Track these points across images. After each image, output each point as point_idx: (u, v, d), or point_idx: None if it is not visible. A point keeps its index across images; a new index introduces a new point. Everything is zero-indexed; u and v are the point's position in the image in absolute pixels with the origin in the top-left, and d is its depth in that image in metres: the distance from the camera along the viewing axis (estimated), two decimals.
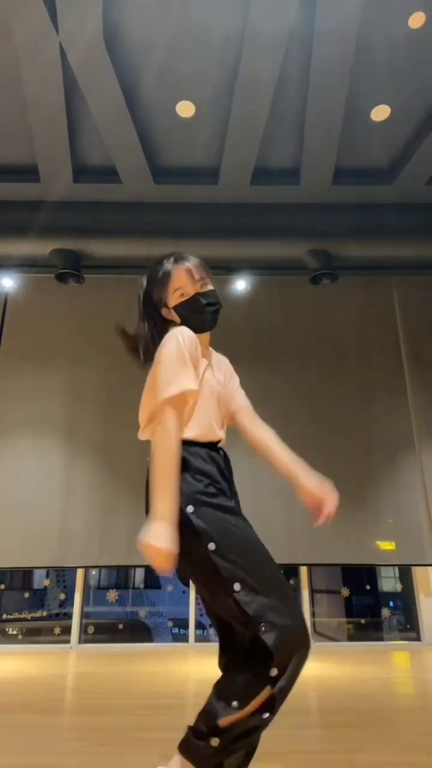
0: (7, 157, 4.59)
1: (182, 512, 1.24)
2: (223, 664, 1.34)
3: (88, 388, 5.22)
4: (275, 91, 3.90)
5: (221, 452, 1.46)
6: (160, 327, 1.48)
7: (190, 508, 1.25)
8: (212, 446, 1.43)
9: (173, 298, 1.47)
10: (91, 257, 4.98)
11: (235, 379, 1.63)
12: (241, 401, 1.60)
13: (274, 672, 1.15)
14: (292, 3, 3.35)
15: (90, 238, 4.86)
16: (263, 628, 1.17)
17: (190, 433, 1.38)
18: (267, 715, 1.17)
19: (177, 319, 1.48)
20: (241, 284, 5.56)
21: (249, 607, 1.18)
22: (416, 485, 5.02)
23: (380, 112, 4.17)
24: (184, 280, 1.46)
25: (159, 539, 1.18)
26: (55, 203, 4.81)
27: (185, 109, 4.11)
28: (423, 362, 5.42)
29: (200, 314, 1.46)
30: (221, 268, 5.26)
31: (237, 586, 1.19)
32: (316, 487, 1.46)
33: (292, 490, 1.52)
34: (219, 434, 1.45)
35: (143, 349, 1.48)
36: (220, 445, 1.47)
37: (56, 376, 5.29)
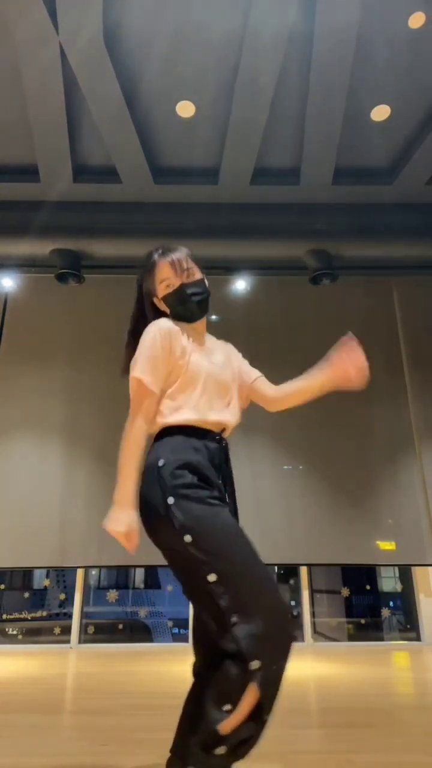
0: (7, 157, 4.58)
1: (163, 504, 1.26)
2: (198, 668, 1.37)
3: (88, 387, 5.22)
4: (275, 90, 3.90)
5: (218, 440, 1.44)
6: (149, 317, 1.54)
7: (170, 500, 1.26)
8: (206, 434, 1.41)
9: (160, 289, 1.53)
10: (91, 257, 4.98)
11: (239, 359, 1.67)
12: (253, 373, 1.65)
13: (254, 665, 1.14)
14: (292, 3, 3.35)
15: (90, 238, 4.86)
16: (234, 619, 1.17)
17: (178, 417, 1.39)
18: (265, 715, 1.17)
19: (167, 309, 1.54)
20: (241, 284, 5.56)
21: (222, 599, 1.18)
22: (416, 485, 5.02)
23: (380, 112, 4.17)
24: (168, 272, 1.51)
25: (115, 524, 1.28)
26: (55, 203, 4.81)
27: (185, 109, 4.11)
28: (423, 362, 5.42)
29: (186, 304, 1.50)
30: (221, 268, 5.25)
31: (212, 577, 1.19)
32: (337, 369, 1.56)
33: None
34: (215, 418, 1.43)
35: (128, 333, 1.57)
36: (223, 433, 1.47)
37: (56, 375, 5.29)
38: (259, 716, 1.16)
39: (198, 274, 1.54)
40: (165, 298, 1.53)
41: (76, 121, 4.20)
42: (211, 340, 1.62)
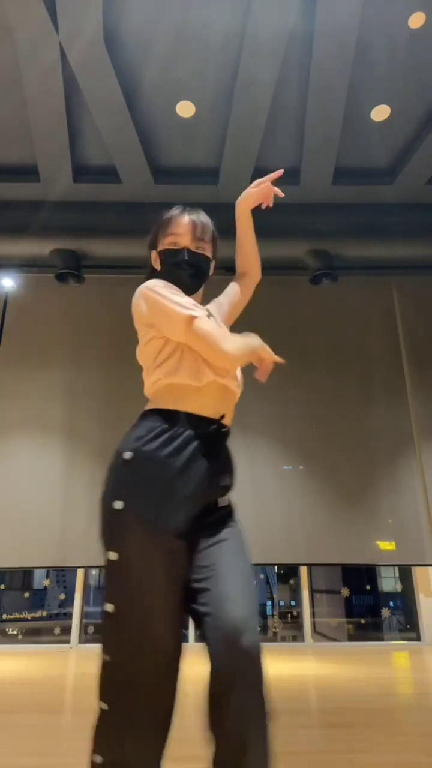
0: (7, 157, 4.58)
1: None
2: None
3: (88, 387, 5.22)
4: (275, 91, 3.90)
5: (221, 431, 1.27)
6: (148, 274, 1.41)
7: (111, 513, 1.30)
8: (201, 423, 1.25)
9: (164, 243, 1.37)
10: (91, 257, 4.98)
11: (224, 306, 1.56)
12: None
13: (102, 707, 1.09)
14: (292, 3, 3.35)
15: (90, 238, 4.86)
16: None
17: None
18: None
19: (158, 266, 1.39)
20: None
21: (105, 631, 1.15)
22: (416, 485, 5.02)
23: (380, 112, 4.17)
24: (184, 229, 1.35)
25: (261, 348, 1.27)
26: (55, 203, 4.81)
27: (185, 109, 4.11)
28: (423, 362, 5.42)
29: (178, 269, 1.34)
30: (221, 268, 5.24)
31: (109, 601, 1.15)
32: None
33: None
34: (218, 407, 1.28)
35: None
36: (225, 420, 1.28)
37: (56, 375, 5.29)
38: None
39: (208, 251, 1.40)
40: (162, 254, 1.36)
41: (76, 121, 4.20)
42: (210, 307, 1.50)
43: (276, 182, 1.57)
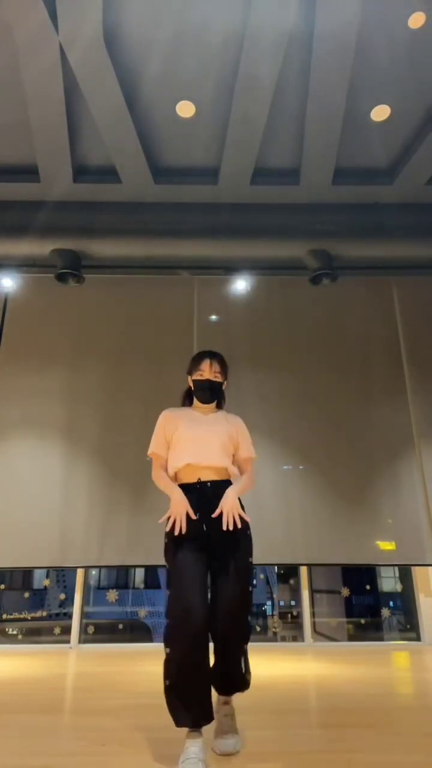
0: (7, 157, 4.58)
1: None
2: None
3: (88, 388, 5.22)
4: (275, 90, 3.90)
5: (200, 487, 2.13)
6: (186, 390, 2.42)
7: (165, 538, 2.09)
8: (188, 486, 2.14)
9: (195, 374, 2.32)
10: (91, 257, 4.98)
11: (242, 434, 2.32)
12: (242, 453, 2.30)
13: (167, 651, 1.88)
14: (292, 3, 3.35)
15: (90, 238, 4.86)
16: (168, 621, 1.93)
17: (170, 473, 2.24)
18: (167, 681, 1.87)
19: (191, 386, 2.35)
20: (241, 284, 5.55)
21: (167, 604, 1.95)
22: (416, 485, 5.02)
23: (380, 112, 4.17)
24: (206, 367, 2.30)
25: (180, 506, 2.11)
26: (55, 203, 4.81)
27: (185, 109, 4.11)
28: (423, 362, 5.42)
29: (201, 391, 2.30)
30: (221, 268, 5.25)
31: (168, 589, 1.98)
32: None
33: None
34: (196, 474, 2.15)
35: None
36: (203, 479, 2.14)
37: (56, 376, 5.29)
38: (169, 678, 1.88)
39: (220, 379, 2.31)
40: (193, 380, 2.32)
41: (76, 121, 4.20)
42: (217, 414, 2.33)
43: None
